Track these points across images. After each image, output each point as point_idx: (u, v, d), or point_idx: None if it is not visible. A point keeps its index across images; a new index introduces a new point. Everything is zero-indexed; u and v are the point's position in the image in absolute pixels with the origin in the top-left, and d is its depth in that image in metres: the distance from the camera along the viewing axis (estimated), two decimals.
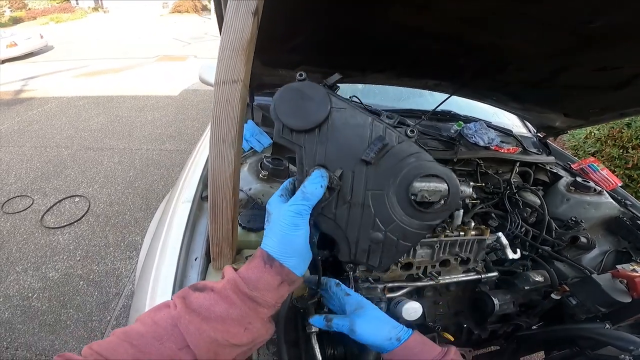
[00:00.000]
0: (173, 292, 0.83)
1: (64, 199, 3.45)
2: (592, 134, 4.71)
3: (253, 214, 0.96)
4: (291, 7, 1.00)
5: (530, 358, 1.70)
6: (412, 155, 0.63)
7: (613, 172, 4.32)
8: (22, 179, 3.78)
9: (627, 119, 4.27)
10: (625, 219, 1.61)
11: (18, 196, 3.47)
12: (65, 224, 3.11)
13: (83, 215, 3.23)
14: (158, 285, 0.87)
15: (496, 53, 1.15)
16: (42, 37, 11.09)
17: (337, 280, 0.75)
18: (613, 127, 4.40)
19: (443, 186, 0.66)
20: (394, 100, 1.99)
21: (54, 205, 3.35)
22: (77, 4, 27.65)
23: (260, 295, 0.54)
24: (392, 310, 1.14)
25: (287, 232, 0.55)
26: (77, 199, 3.47)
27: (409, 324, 0.83)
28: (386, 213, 0.63)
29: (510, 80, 1.37)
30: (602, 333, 1.21)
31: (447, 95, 1.61)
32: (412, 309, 1.13)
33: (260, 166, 1.24)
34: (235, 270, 0.57)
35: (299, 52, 1.33)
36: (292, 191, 0.64)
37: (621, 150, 4.28)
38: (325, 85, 0.66)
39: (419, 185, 0.65)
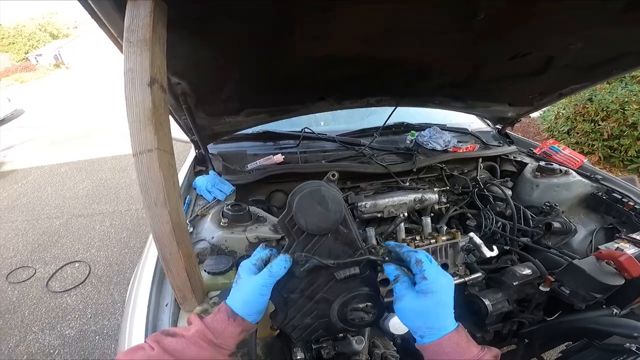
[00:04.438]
0: (145, 335, 0.91)
1: (64, 265, 3.55)
2: (561, 113, 4.82)
3: (217, 260, 1.03)
4: (207, 62, 1.04)
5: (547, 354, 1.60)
6: (364, 287, 0.74)
7: (592, 146, 4.40)
8: (21, 252, 3.87)
9: (587, 93, 4.38)
10: (600, 194, 1.58)
11: (20, 267, 3.58)
12: (70, 287, 3.22)
13: (85, 278, 3.33)
14: (133, 330, 0.96)
15: (413, 63, 1.18)
16: (9, 100, 10.61)
17: (421, 257, 0.70)
18: (577, 104, 4.49)
19: (369, 317, 0.76)
20: (348, 122, 2.01)
21: (56, 272, 3.45)
22: (37, 61, 27.97)
23: (224, 342, 0.65)
24: (381, 325, 1.10)
25: (252, 299, 0.67)
26: (77, 264, 3.57)
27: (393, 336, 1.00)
28: (325, 311, 0.74)
29: (440, 83, 1.40)
30: (603, 322, 1.14)
31: (393, 109, 1.63)
32: (399, 324, 1.09)
33: (222, 214, 1.25)
34: (202, 317, 0.68)
35: (236, 98, 1.35)
36: (266, 262, 0.73)
37: (592, 124, 4.35)
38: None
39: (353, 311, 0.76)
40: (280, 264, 0.69)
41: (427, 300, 0.65)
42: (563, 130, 4.76)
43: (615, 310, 1.19)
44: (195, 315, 0.69)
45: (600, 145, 4.32)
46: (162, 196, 0.70)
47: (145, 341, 0.64)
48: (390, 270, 0.71)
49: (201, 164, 1.70)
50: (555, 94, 1.52)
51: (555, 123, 4.90)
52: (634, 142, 4.01)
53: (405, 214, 1.34)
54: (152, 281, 1.07)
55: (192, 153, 1.79)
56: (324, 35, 0.93)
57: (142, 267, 1.22)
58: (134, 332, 0.94)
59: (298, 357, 0.95)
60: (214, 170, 1.58)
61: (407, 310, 0.66)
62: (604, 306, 1.22)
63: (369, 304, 0.74)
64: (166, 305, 0.98)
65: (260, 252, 0.74)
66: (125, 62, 0.65)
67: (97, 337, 2.67)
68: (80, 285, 3.24)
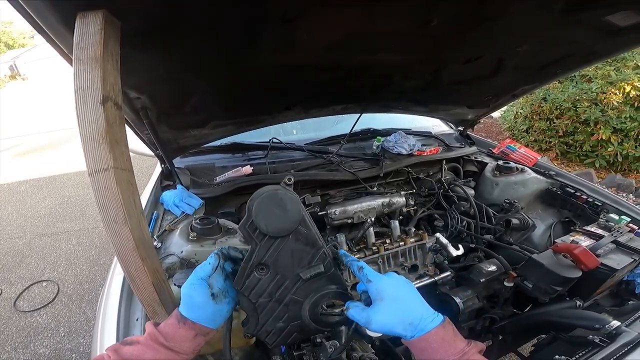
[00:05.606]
0: None
1: (31, 285, 3.41)
2: (519, 113, 5.08)
3: (187, 273, 1.02)
4: (166, 75, 1.02)
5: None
6: (331, 285, 0.76)
7: (549, 142, 4.66)
8: None
9: (541, 93, 4.64)
10: (554, 189, 1.67)
11: None
12: (39, 306, 3.10)
13: (55, 297, 3.21)
14: (104, 345, 0.95)
15: (376, 70, 1.22)
16: None
17: (361, 264, 0.75)
18: (533, 104, 4.76)
19: (339, 317, 0.77)
20: (316, 130, 2.03)
21: (23, 291, 3.32)
22: None
23: (177, 346, 0.64)
24: (358, 328, 1.12)
25: (188, 300, 0.68)
26: (44, 284, 3.43)
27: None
28: (296, 314, 0.75)
29: (403, 89, 1.45)
30: (566, 315, 1.18)
31: (358, 115, 1.67)
32: None
33: (190, 229, 1.23)
34: (157, 324, 0.68)
35: (201, 110, 1.34)
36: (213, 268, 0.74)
37: (548, 122, 4.62)
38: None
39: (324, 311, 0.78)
40: (205, 262, 0.72)
41: (385, 301, 0.68)
42: (522, 129, 5.02)
43: (578, 303, 1.23)
44: (150, 322, 0.70)
45: (556, 142, 4.58)
46: (122, 214, 0.68)
47: (105, 351, 0.64)
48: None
49: (168, 179, 1.66)
50: (509, 95, 1.61)
51: (515, 122, 5.16)
52: (588, 138, 4.28)
53: (373, 219, 1.37)
54: (120, 297, 1.06)
55: (159, 167, 1.75)
56: (286, 45, 0.95)
57: (110, 283, 1.21)
58: (105, 347, 0.92)
59: None
60: (181, 184, 1.55)
61: (380, 322, 0.67)
62: (567, 299, 1.27)
63: (339, 301, 0.75)
64: (137, 320, 0.98)
65: (210, 258, 0.75)
66: (75, 80, 0.63)
67: (73, 355, 2.59)
68: (49, 304, 3.12)
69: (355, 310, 0.70)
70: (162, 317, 0.79)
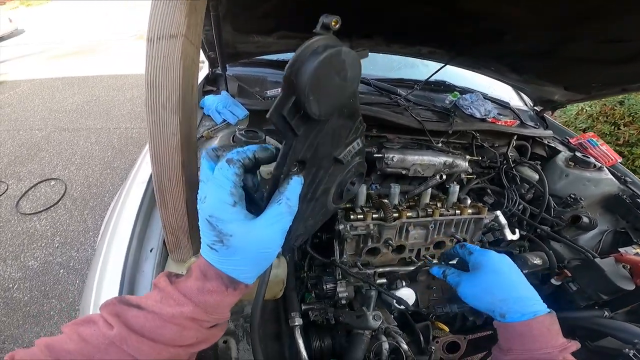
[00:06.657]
0: (120, 289, 0.73)
1: (39, 182, 3.28)
2: (584, 110, 4.66)
3: None
4: None
5: None
6: (357, 157, 0.61)
7: None
8: None
9: (620, 96, 4.21)
10: (625, 196, 1.52)
11: None
12: (41, 209, 2.98)
13: (60, 199, 3.08)
14: (104, 280, 0.76)
15: (491, 21, 1.03)
16: (11, 20, 10.15)
17: (463, 243, 0.77)
18: (606, 104, 4.36)
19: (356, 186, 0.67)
20: (385, 70, 1.85)
21: (29, 189, 3.19)
22: None
23: (220, 317, 0.49)
24: (383, 297, 1.08)
25: (270, 255, 0.47)
26: (52, 182, 3.30)
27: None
28: (323, 203, 0.60)
29: (508, 50, 1.25)
30: (603, 324, 1.14)
31: (442, 65, 1.47)
32: (404, 296, 1.05)
33: (232, 140, 1.11)
34: (173, 281, 0.48)
35: (274, 16, 1.18)
36: (241, 194, 0.46)
37: (613, 127, 4.25)
38: None
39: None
40: (296, 190, 0.47)
41: (481, 272, 0.66)
42: (580, 127, 4.64)
43: (606, 313, 1.21)
44: (166, 279, 0.48)
45: (612, 148, 4.25)
46: (175, 98, 0.52)
47: (99, 312, 0.46)
48: (436, 270, 0.77)
49: (212, 84, 1.53)
50: (619, 87, 1.37)
51: (575, 119, 4.76)
52: None
53: (444, 177, 1.24)
54: (136, 216, 0.87)
55: (203, 73, 1.60)
56: None
57: (126, 196, 0.98)
58: (105, 283, 0.75)
59: (296, 323, 0.90)
60: (227, 91, 1.42)
61: (470, 292, 0.67)
62: (596, 307, 1.23)
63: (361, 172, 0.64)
64: (151, 251, 0.80)
65: (228, 182, 0.44)
66: None
67: (61, 271, 2.49)
68: (52, 208, 3.00)
69: (452, 276, 0.73)
70: (185, 253, 0.65)
